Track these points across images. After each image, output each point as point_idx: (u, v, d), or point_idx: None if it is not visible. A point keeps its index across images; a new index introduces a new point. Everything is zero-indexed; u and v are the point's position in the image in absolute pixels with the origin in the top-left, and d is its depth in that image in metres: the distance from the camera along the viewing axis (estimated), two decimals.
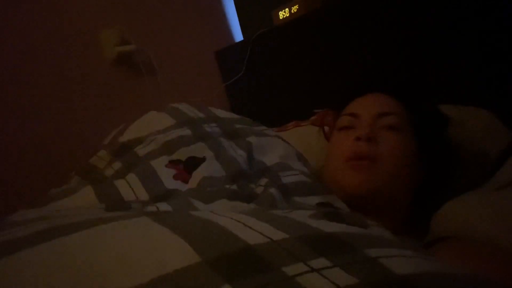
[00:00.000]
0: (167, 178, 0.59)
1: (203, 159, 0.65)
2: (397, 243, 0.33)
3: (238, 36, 1.74)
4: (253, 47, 1.46)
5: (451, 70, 0.90)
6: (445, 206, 0.61)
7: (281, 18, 1.28)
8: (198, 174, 0.61)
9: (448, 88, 0.90)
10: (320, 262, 0.27)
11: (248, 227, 0.31)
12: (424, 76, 0.93)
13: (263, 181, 0.60)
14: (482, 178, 0.69)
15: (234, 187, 0.57)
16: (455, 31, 0.88)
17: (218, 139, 0.71)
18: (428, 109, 0.74)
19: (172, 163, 0.64)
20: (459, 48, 0.88)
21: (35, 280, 0.25)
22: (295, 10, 1.21)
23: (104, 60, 1.41)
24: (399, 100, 0.72)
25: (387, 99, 0.72)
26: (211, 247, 0.28)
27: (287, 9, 1.25)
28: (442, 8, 0.89)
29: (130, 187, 0.57)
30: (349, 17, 1.10)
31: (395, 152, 0.65)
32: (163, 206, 0.47)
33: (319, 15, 1.18)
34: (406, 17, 0.96)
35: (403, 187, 0.66)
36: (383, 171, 0.63)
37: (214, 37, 1.68)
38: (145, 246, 0.28)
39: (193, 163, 0.64)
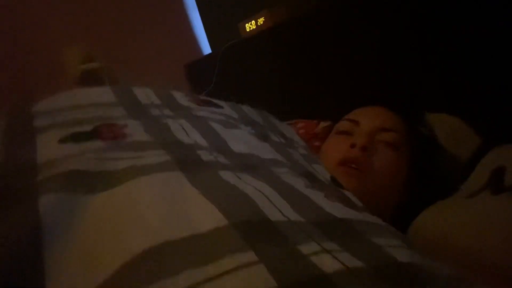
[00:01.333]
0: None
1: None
2: (399, 235, 0.37)
3: (207, 49, 1.73)
4: (222, 60, 1.44)
5: (416, 77, 0.91)
6: (421, 215, 0.61)
7: (248, 30, 1.27)
8: None
9: (414, 95, 0.91)
10: (331, 245, 0.30)
11: (270, 201, 0.36)
12: (392, 84, 0.94)
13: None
14: (454, 184, 0.70)
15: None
16: (423, 40, 0.89)
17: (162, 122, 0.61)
18: (425, 132, 0.75)
19: None
20: (425, 55, 0.90)
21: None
22: (262, 22, 1.20)
23: (69, 79, 1.36)
24: (402, 118, 0.72)
25: (391, 115, 0.72)
26: (237, 213, 0.31)
27: (253, 22, 1.24)
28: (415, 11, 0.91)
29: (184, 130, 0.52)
30: (316, 27, 1.10)
31: (387, 169, 0.65)
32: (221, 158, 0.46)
33: (286, 27, 1.17)
34: (374, 27, 0.97)
35: (387, 203, 0.66)
36: (371, 184, 0.63)
37: (182, 50, 1.66)
38: (179, 207, 0.32)
39: None
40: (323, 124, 0.98)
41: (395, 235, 0.37)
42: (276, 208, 0.35)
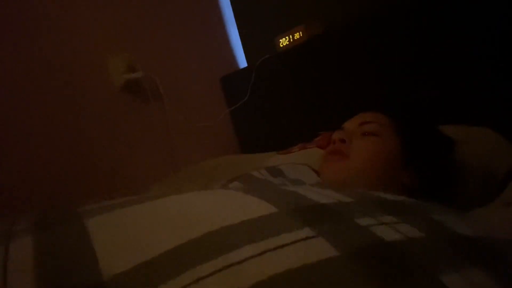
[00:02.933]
0: None
1: None
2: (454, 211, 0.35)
3: (243, 62, 1.78)
4: (257, 73, 1.49)
5: (453, 90, 0.91)
6: None
7: (283, 45, 1.31)
8: None
9: (451, 109, 0.91)
10: (388, 218, 0.30)
11: (318, 193, 0.36)
12: (425, 99, 0.95)
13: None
14: (489, 197, 0.69)
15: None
16: (453, 52, 0.90)
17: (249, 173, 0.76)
18: (414, 119, 0.78)
19: None
20: (458, 68, 0.90)
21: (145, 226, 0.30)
22: (298, 37, 1.24)
23: (112, 87, 1.44)
24: (385, 113, 0.76)
25: (375, 113, 0.77)
26: (289, 203, 0.32)
27: (290, 36, 1.28)
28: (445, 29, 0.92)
29: None
30: (350, 43, 1.13)
31: (364, 150, 0.70)
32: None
33: (321, 42, 1.21)
34: (406, 42, 0.99)
35: (383, 184, 0.68)
36: (351, 165, 0.69)
37: (219, 63, 1.72)
38: (232, 202, 0.34)
39: None
40: None
41: (450, 211, 0.35)
42: (323, 195, 0.35)
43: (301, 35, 1.23)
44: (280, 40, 1.32)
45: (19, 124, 1.24)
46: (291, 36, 1.27)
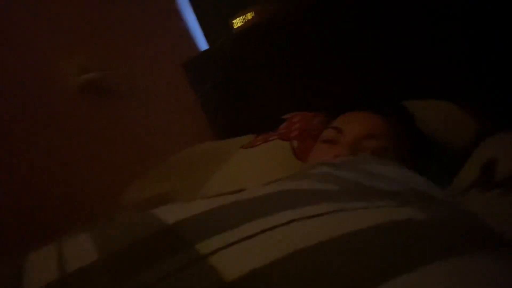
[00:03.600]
0: None
1: None
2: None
3: (204, 46, 1.71)
4: (219, 55, 1.43)
5: (410, 65, 0.88)
6: None
7: (237, 26, 1.26)
8: None
9: (409, 84, 0.88)
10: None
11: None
12: (383, 76, 0.92)
13: None
14: (449, 176, 0.68)
15: None
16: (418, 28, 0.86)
17: None
18: (413, 132, 0.73)
19: None
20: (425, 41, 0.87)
21: None
22: (250, 17, 1.18)
23: (68, 92, 1.38)
24: (387, 121, 0.71)
25: (376, 120, 0.70)
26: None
27: (243, 17, 1.22)
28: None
29: None
30: (303, 24, 1.08)
31: None
32: None
33: (274, 23, 1.15)
34: (358, 23, 0.94)
35: None
36: None
37: (179, 50, 1.65)
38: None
39: None
40: (318, 118, 0.97)
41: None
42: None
43: (255, 15, 1.18)
44: (234, 22, 1.26)
45: None
46: (244, 17, 1.21)
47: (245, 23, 1.22)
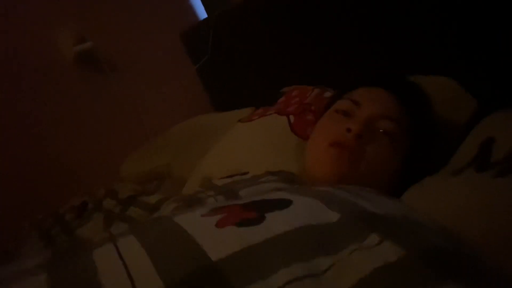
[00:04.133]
0: None
1: None
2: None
3: (203, 14, 1.66)
4: (218, 25, 1.39)
5: (410, 38, 0.86)
6: (405, 194, 0.60)
7: None
8: None
9: (407, 56, 0.86)
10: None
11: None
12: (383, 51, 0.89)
13: None
14: (448, 154, 0.68)
15: None
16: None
17: (204, 201, 0.63)
18: (426, 118, 0.70)
19: None
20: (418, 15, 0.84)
21: None
22: None
23: (63, 61, 1.35)
24: (403, 104, 0.67)
25: (394, 101, 0.67)
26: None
27: None
28: None
29: None
30: None
31: (380, 161, 0.62)
32: None
33: None
34: None
35: (377, 185, 0.62)
36: (360, 173, 0.61)
37: (177, 19, 1.60)
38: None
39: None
40: (316, 91, 0.95)
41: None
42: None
43: None
44: None
45: None
46: None
47: None
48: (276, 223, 0.36)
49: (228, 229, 0.36)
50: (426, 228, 0.37)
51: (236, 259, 0.31)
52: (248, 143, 0.86)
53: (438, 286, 0.28)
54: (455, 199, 0.51)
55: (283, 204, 0.40)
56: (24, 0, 1.27)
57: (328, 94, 0.90)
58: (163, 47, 1.56)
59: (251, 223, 0.36)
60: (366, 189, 0.46)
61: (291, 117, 0.84)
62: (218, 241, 0.34)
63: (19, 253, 0.94)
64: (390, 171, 0.64)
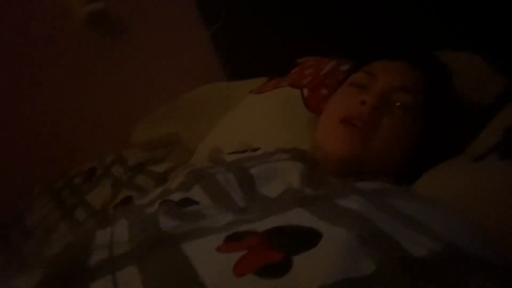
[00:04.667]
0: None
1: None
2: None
3: None
4: None
5: (434, 12, 0.80)
6: (421, 179, 0.57)
7: None
8: None
9: (431, 32, 0.81)
10: None
11: None
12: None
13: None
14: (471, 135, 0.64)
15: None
16: None
17: (214, 177, 0.58)
18: (446, 95, 0.67)
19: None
20: None
21: None
22: None
23: (75, 21, 1.32)
24: (422, 76, 0.64)
25: (412, 72, 0.64)
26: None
27: None
28: None
29: None
30: None
31: (396, 134, 0.59)
32: None
33: None
34: None
35: (389, 164, 0.62)
36: (372, 152, 0.58)
37: None
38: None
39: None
40: (332, 63, 0.91)
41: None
42: None
43: None
44: None
45: None
46: None
47: None
48: (306, 273, 0.29)
49: (248, 279, 0.29)
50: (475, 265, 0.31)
51: None
52: (259, 116, 0.83)
53: None
54: (479, 187, 0.47)
55: (311, 239, 0.33)
56: None
57: (344, 67, 0.86)
58: (177, 10, 1.51)
59: (276, 272, 0.29)
60: (395, 191, 0.43)
61: (305, 91, 0.81)
62: None
63: (28, 214, 0.96)
64: (404, 148, 0.61)
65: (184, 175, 0.61)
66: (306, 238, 0.33)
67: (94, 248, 0.38)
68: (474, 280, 0.29)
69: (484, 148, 0.55)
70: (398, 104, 0.60)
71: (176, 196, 0.53)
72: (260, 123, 0.82)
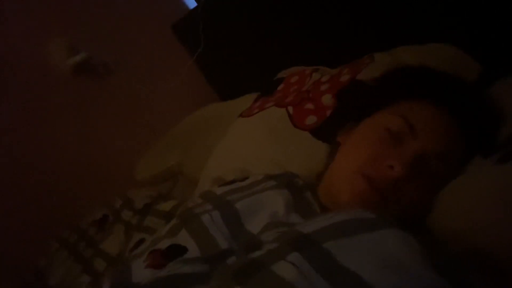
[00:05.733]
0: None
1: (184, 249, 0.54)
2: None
3: (192, 3, 1.62)
4: (208, 13, 1.35)
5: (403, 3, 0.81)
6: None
7: None
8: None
9: (406, 27, 0.82)
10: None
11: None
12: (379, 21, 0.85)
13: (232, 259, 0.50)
14: None
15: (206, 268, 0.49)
16: None
17: (200, 218, 0.57)
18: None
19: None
20: None
21: None
22: None
23: (61, 75, 1.35)
24: (467, 138, 0.56)
25: (457, 136, 0.55)
26: None
27: None
28: None
29: None
30: None
31: (415, 202, 0.53)
32: None
33: None
34: None
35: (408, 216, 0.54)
36: (390, 210, 0.51)
37: (165, 11, 1.57)
38: None
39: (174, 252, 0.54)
40: (315, 76, 0.92)
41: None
42: None
43: None
44: None
45: None
46: None
47: None
48: None
49: None
50: None
51: None
52: (251, 140, 0.85)
53: None
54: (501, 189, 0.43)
55: None
56: (12, 19, 1.26)
57: (325, 78, 0.87)
58: (158, 44, 1.54)
59: None
60: (365, 224, 0.39)
61: (290, 109, 0.83)
62: None
63: (50, 272, 0.99)
64: (425, 203, 0.54)
65: (175, 218, 0.63)
66: None
67: None
68: None
69: (506, 150, 0.50)
70: (427, 171, 0.53)
71: (164, 244, 0.54)
72: (253, 147, 0.84)
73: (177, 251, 0.52)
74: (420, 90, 0.59)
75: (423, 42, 0.78)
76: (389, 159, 0.51)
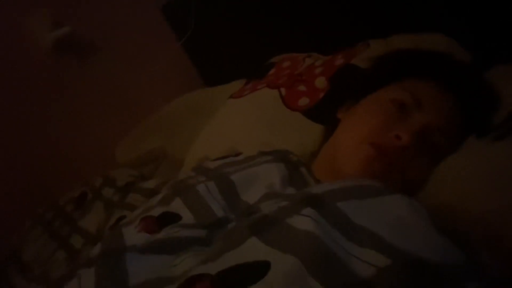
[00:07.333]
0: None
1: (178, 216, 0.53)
2: None
3: None
4: None
5: None
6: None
7: None
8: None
9: (398, 17, 0.83)
10: None
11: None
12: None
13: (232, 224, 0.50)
14: None
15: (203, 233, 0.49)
16: None
17: (195, 188, 0.57)
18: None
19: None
20: None
21: None
22: None
23: (41, 50, 1.30)
24: (468, 118, 0.58)
25: (459, 115, 0.58)
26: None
27: None
28: None
29: None
30: None
31: (417, 174, 0.55)
32: None
33: None
34: None
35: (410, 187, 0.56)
36: (392, 180, 0.52)
37: None
38: None
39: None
40: (308, 61, 0.92)
41: None
42: None
43: None
44: None
45: None
46: None
47: None
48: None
49: None
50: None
51: None
52: (241, 121, 0.84)
53: None
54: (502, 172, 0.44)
55: (260, 271, 0.34)
56: None
57: (319, 62, 0.87)
58: (145, 24, 1.50)
59: None
60: (364, 191, 0.41)
61: (282, 90, 0.82)
62: None
63: (24, 248, 0.95)
64: (425, 175, 0.56)
65: (166, 188, 0.62)
66: (255, 273, 0.34)
67: None
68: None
69: (503, 127, 0.52)
70: (429, 144, 0.55)
71: (156, 211, 0.53)
72: (243, 127, 0.83)
73: (170, 218, 0.51)
74: (424, 67, 0.61)
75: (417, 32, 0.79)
76: (396, 130, 0.53)
